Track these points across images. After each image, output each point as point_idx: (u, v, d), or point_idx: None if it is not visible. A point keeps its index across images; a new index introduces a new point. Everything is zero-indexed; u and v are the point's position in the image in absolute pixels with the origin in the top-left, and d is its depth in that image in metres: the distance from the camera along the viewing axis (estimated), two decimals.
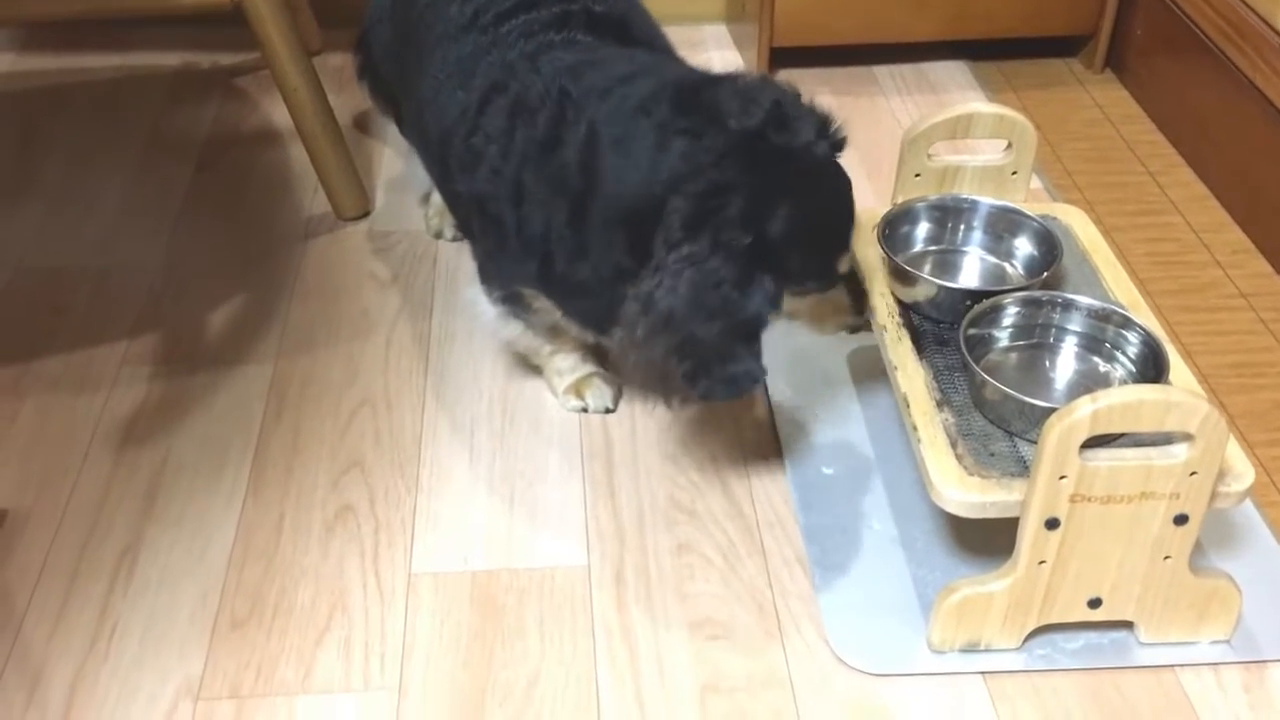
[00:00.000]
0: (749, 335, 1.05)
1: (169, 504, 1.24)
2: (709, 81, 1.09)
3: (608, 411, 1.35)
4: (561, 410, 1.36)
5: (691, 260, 1.00)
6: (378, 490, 1.26)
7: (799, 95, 1.09)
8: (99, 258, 1.59)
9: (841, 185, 1.10)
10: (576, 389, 1.35)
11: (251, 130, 1.86)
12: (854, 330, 1.22)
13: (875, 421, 1.34)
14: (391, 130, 1.77)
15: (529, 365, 1.41)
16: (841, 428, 1.33)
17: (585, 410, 1.35)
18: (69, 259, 1.59)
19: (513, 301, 1.25)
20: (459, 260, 1.59)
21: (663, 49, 1.28)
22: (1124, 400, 0.96)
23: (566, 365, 1.35)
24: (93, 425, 1.33)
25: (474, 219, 1.19)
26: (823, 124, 1.08)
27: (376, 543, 1.21)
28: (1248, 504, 1.25)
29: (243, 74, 2.00)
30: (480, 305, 1.28)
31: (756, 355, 1.06)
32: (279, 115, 1.86)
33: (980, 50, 2.02)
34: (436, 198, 1.62)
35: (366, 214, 1.66)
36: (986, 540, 1.17)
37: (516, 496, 1.26)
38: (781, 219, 1.02)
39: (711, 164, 1.02)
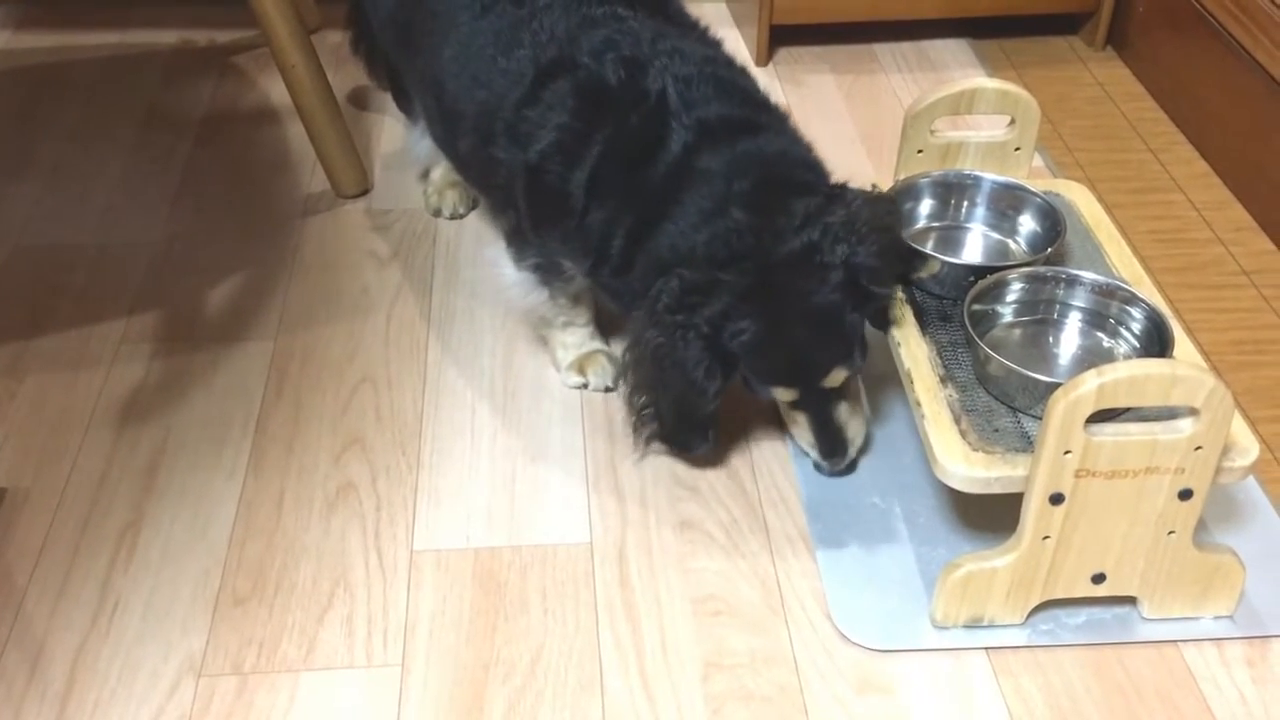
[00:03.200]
0: (697, 414, 1.15)
1: (170, 481, 1.24)
2: (805, 186, 1.13)
3: (608, 390, 1.35)
4: (563, 388, 1.36)
5: (661, 331, 1.09)
6: (379, 467, 1.26)
7: (885, 242, 1.12)
8: (97, 235, 1.58)
9: (823, 337, 1.11)
10: (580, 365, 1.35)
11: (250, 108, 1.85)
12: (816, 465, 1.24)
13: (878, 398, 1.33)
14: (390, 107, 1.77)
15: (531, 342, 1.40)
16: None
17: (586, 386, 1.35)
18: (67, 236, 1.58)
19: (545, 269, 1.26)
20: (459, 238, 1.58)
21: (690, 26, 1.28)
22: (1130, 374, 0.96)
23: (574, 340, 1.35)
24: (92, 403, 1.33)
25: (520, 189, 1.19)
26: (862, 289, 1.10)
27: (378, 520, 1.20)
28: (1250, 480, 1.25)
29: (240, 52, 1.99)
30: (502, 267, 1.29)
31: (704, 435, 1.19)
32: (277, 93, 1.85)
33: (981, 28, 2.01)
34: (435, 175, 1.62)
35: (365, 192, 1.66)
36: (990, 516, 1.17)
37: (518, 474, 1.26)
38: (743, 335, 1.09)
39: (721, 261, 1.08)
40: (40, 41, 2.00)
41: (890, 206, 1.20)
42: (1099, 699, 1.05)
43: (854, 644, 1.09)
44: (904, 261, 1.18)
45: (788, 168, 1.15)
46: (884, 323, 1.17)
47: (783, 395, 1.16)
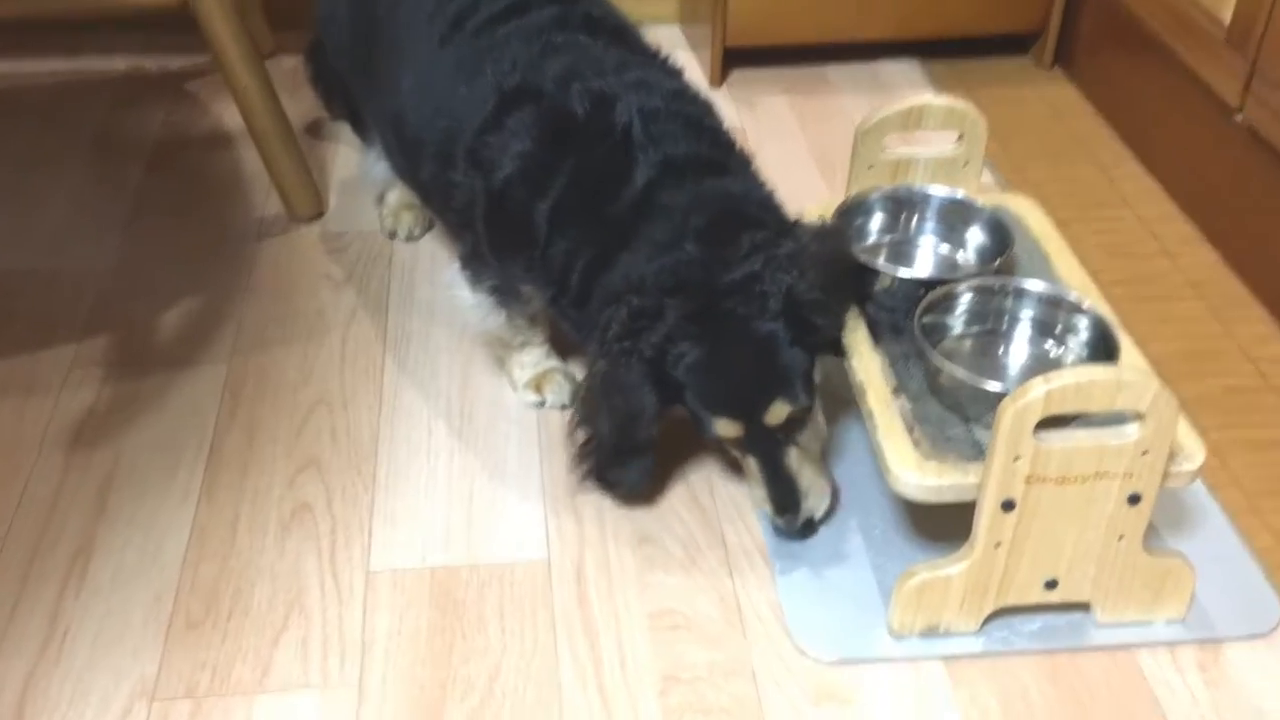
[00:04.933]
0: (635, 438, 1.13)
1: (121, 505, 1.23)
2: (757, 221, 1.13)
3: (564, 408, 1.35)
4: (520, 407, 1.36)
5: (609, 360, 1.10)
6: (335, 488, 1.25)
7: (831, 275, 1.12)
8: (47, 260, 1.57)
9: (763, 366, 1.10)
10: (537, 383, 1.35)
11: (202, 133, 1.84)
12: (778, 530, 1.20)
13: (834, 415, 1.34)
14: (344, 134, 1.77)
15: (487, 362, 1.40)
16: None
17: (543, 404, 1.35)
18: (16, 261, 1.57)
19: (503, 292, 1.26)
20: (415, 260, 1.58)
21: (651, 55, 1.28)
22: (1076, 380, 0.97)
23: (530, 359, 1.35)
24: (43, 428, 1.31)
25: (480, 213, 1.19)
26: (804, 320, 1.10)
27: (334, 541, 1.20)
28: (1199, 487, 1.26)
29: (192, 78, 1.98)
30: (458, 289, 1.29)
31: (641, 459, 1.17)
32: (230, 118, 1.85)
33: (931, 49, 2.04)
34: (391, 198, 1.62)
35: (320, 215, 1.65)
36: (944, 528, 1.18)
37: (475, 492, 1.25)
38: (685, 359, 1.09)
39: (668, 289, 1.09)
40: None
41: (839, 240, 1.21)
42: (1054, 704, 1.06)
43: (811, 656, 1.09)
44: (852, 293, 1.19)
45: (746, 206, 1.16)
46: (836, 351, 1.18)
47: (726, 430, 1.12)
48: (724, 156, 1.18)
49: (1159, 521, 1.22)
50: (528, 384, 1.35)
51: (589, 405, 1.14)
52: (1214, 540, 1.21)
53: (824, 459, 1.20)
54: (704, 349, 1.08)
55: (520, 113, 1.17)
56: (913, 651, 1.10)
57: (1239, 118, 1.56)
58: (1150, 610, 1.12)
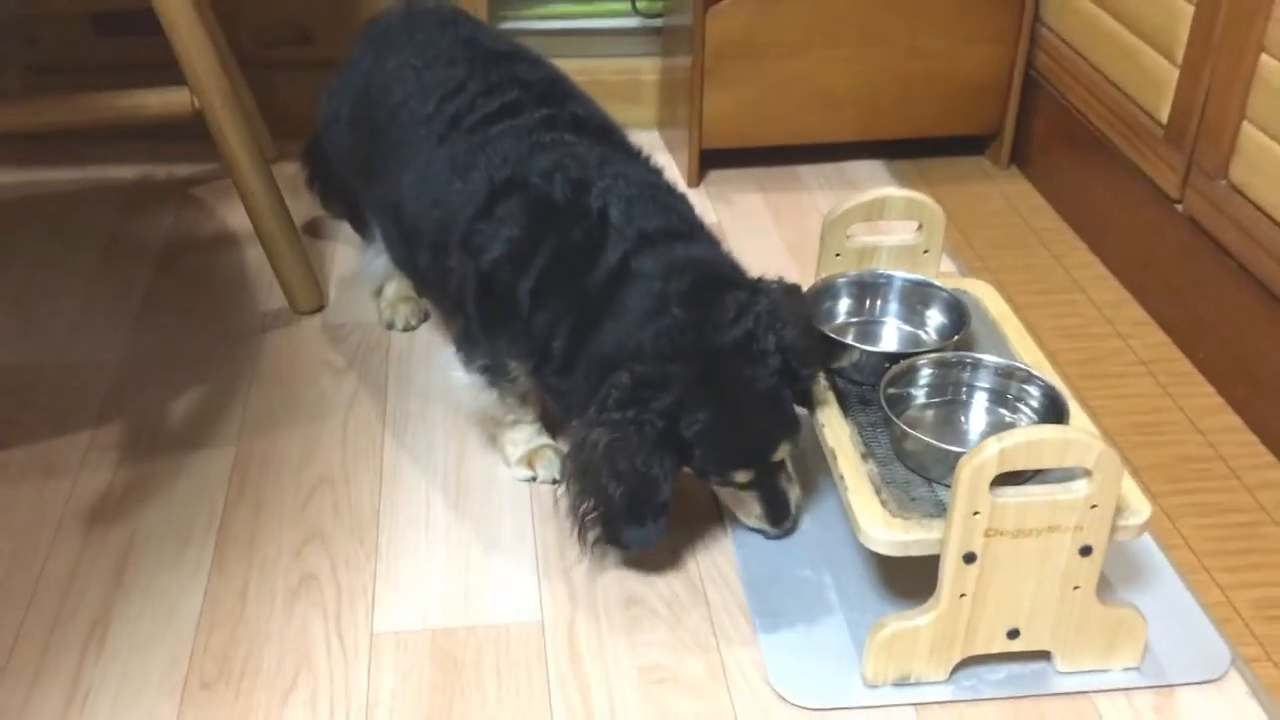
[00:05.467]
0: (651, 503, 1.20)
1: (136, 579, 1.30)
2: (734, 283, 1.24)
3: (555, 482, 1.43)
4: (512, 483, 1.44)
5: (612, 428, 1.17)
6: (338, 558, 1.32)
7: (803, 316, 1.25)
8: (61, 354, 1.65)
9: (771, 417, 1.22)
10: (529, 459, 1.43)
11: (208, 235, 1.94)
12: (762, 533, 1.34)
13: (809, 485, 1.43)
14: (342, 231, 1.87)
15: (481, 439, 1.49)
16: None
17: (535, 479, 1.43)
18: (31, 356, 1.65)
19: (493, 371, 1.35)
20: (411, 348, 1.68)
21: (634, 154, 1.39)
22: (1027, 439, 1.06)
23: (522, 437, 1.43)
24: (60, 508, 1.39)
25: (471, 294, 1.29)
26: (792, 370, 1.22)
27: (339, 606, 1.26)
28: (1152, 547, 1.34)
29: (197, 184, 2.09)
30: (453, 370, 1.38)
31: (657, 521, 1.22)
32: (234, 220, 1.95)
33: (895, 150, 2.17)
34: (389, 291, 1.71)
35: (321, 308, 1.75)
36: (914, 586, 1.25)
37: (472, 561, 1.33)
38: (698, 424, 1.18)
39: (669, 356, 1.17)
40: (4, 178, 2.10)
41: (799, 293, 1.32)
42: None
43: (791, 704, 1.16)
44: (819, 342, 1.30)
45: (720, 269, 1.27)
46: (808, 402, 1.27)
47: (741, 477, 1.24)
48: (691, 230, 1.29)
49: (1115, 579, 1.30)
50: (520, 460, 1.44)
51: (592, 477, 1.19)
52: (1167, 596, 1.29)
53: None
54: (715, 411, 1.17)
55: (508, 202, 1.27)
56: (886, 699, 1.17)
57: (1180, 208, 1.68)
58: (1107, 658, 1.19)
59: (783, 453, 1.24)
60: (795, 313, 1.23)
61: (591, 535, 1.23)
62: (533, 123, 1.34)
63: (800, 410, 1.26)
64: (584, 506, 1.21)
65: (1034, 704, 1.17)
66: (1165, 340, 1.71)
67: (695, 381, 1.17)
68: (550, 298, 1.24)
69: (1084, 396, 1.58)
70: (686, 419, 1.17)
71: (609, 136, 1.38)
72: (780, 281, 1.29)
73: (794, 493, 1.31)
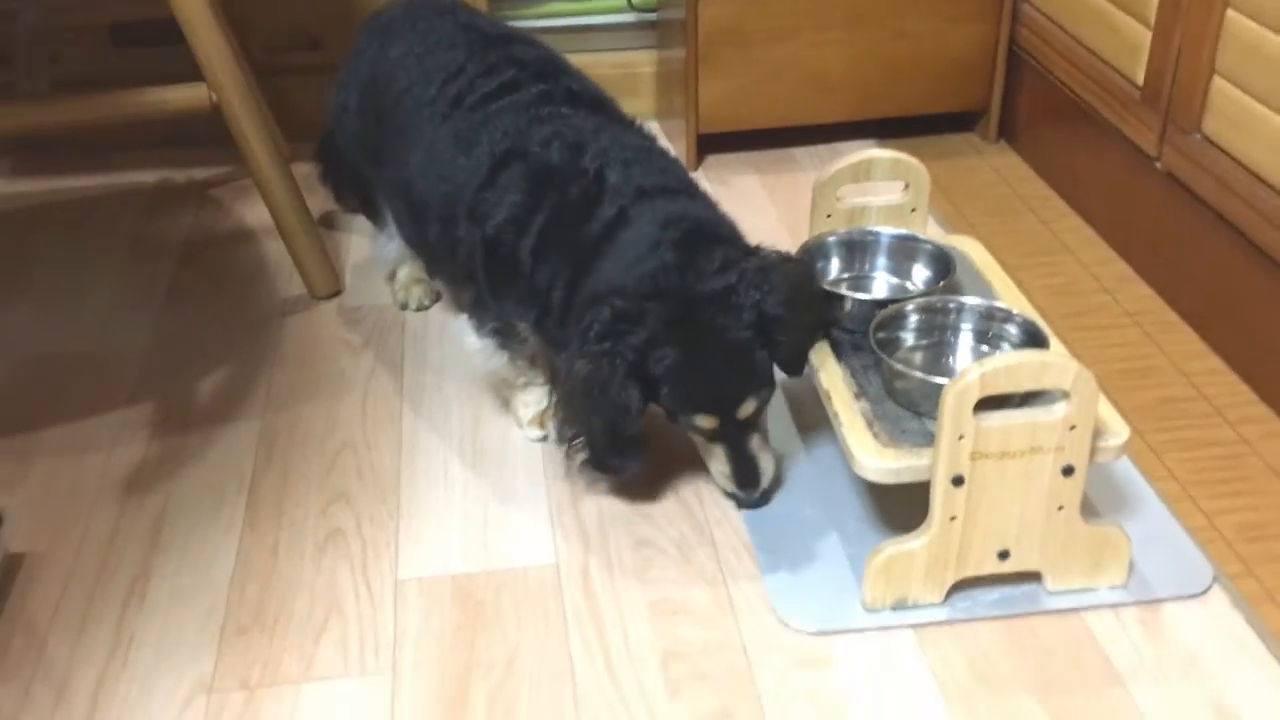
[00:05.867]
0: (625, 435, 1.28)
1: (173, 539, 1.37)
2: (728, 240, 1.31)
3: None
4: (525, 443, 1.51)
5: (590, 360, 1.24)
6: (363, 516, 1.39)
7: (795, 296, 1.28)
8: (93, 344, 1.73)
9: (737, 368, 1.27)
10: (540, 419, 1.50)
11: (227, 231, 2.03)
12: (735, 499, 1.38)
13: (809, 435, 1.49)
14: (355, 222, 1.95)
15: (496, 405, 1.56)
16: (779, 438, 1.48)
17: (546, 439, 1.50)
18: (64, 346, 1.73)
19: (503, 333, 1.42)
20: (425, 326, 1.75)
21: (628, 123, 1.47)
22: (1006, 364, 1.13)
23: (533, 398, 1.50)
24: (98, 479, 1.46)
25: (479, 261, 1.36)
26: (769, 333, 1.27)
27: (365, 558, 1.33)
28: (1139, 479, 1.41)
29: (216, 185, 2.17)
30: (467, 337, 1.46)
31: (634, 452, 1.32)
32: (252, 217, 2.03)
33: (887, 129, 2.24)
34: (402, 273, 1.79)
35: (338, 293, 1.83)
36: (909, 522, 1.31)
37: (489, 514, 1.40)
38: (666, 360, 1.24)
39: (648, 294, 1.24)
40: (31, 187, 2.19)
41: (805, 268, 1.38)
42: (1014, 660, 1.19)
43: (795, 629, 1.23)
44: (818, 314, 1.35)
45: (716, 228, 1.33)
46: (795, 369, 1.33)
47: (703, 422, 1.28)
48: (690, 190, 1.36)
49: (1103, 508, 1.36)
50: (532, 420, 1.51)
51: (573, 404, 1.28)
52: (1153, 521, 1.35)
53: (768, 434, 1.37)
54: (684, 353, 1.24)
55: (509, 170, 1.35)
56: (885, 622, 1.23)
57: (1158, 165, 1.74)
58: (1094, 577, 1.25)
59: (748, 409, 1.28)
60: (786, 280, 1.27)
61: (578, 460, 1.31)
62: (530, 98, 1.42)
63: (784, 377, 1.33)
64: (569, 433, 1.29)
65: (1026, 621, 1.23)
66: (1150, 293, 1.77)
67: (669, 321, 1.23)
68: (550, 251, 1.31)
69: (1073, 348, 1.63)
70: (655, 354, 1.23)
71: (602, 107, 1.45)
72: (778, 252, 1.35)
73: (767, 461, 1.34)
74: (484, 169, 1.38)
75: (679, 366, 1.24)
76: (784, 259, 1.33)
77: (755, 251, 1.32)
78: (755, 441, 1.32)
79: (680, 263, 1.25)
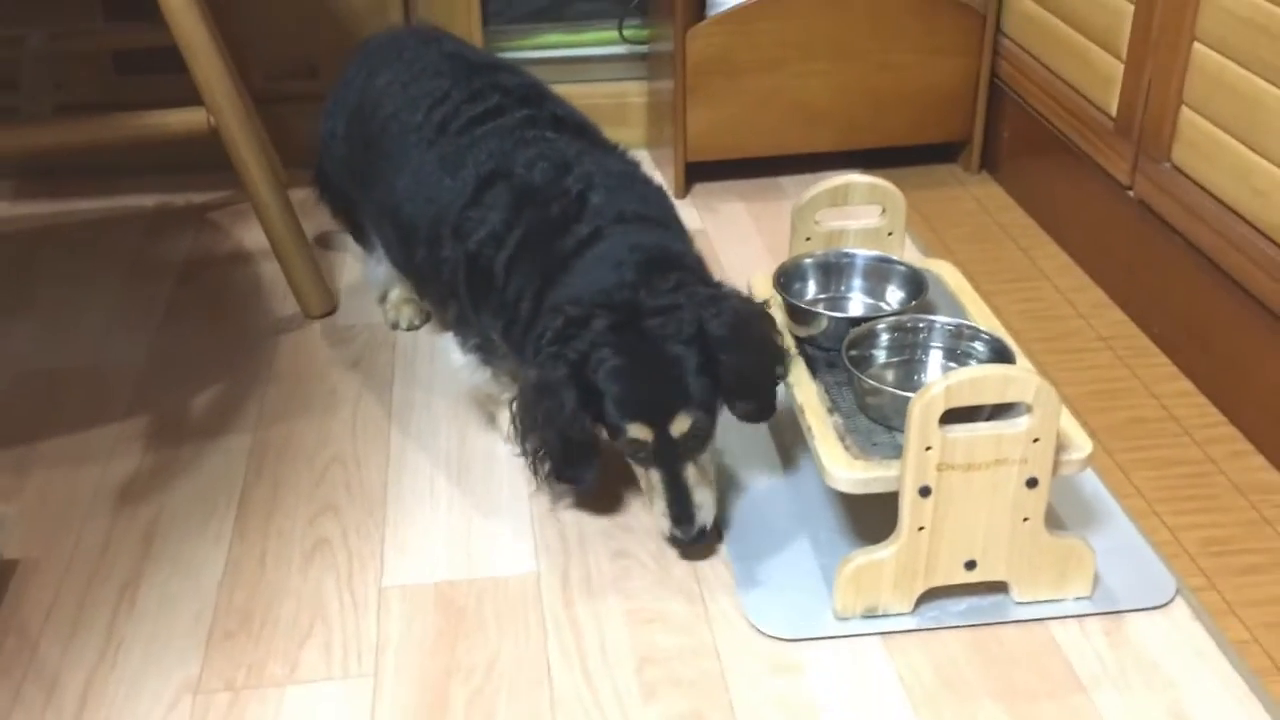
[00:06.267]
0: (575, 443, 1.30)
1: (164, 548, 1.40)
2: (690, 270, 1.34)
3: None
4: (510, 459, 1.55)
5: (540, 365, 1.29)
6: (350, 527, 1.43)
7: (746, 333, 1.30)
8: (90, 359, 1.77)
9: (672, 381, 1.27)
10: None
11: (225, 253, 2.07)
12: (674, 542, 1.35)
13: (785, 449, 1.53)
14: (349, 243, 1.99)
15: (482, 422, 1.60)
16: (757, 456, 1.52)
17: None
18: (62, 361, 1.77)
19: (483, 349, 1.46)
20: (415, 345, 1.79)
21: (611, 148, 1.51)
22: (970, 377, 1.16)
23: None
24: (92, 490, 1.50)
25: (461, 277, 1.40)
26: (712, 354, 1.28)
27: (350, 567, 1.37)
28: (1106, 495, 1.44)
29: (214, 209, 2.22)
30: (453, 353, 1.50)
31: (588, 464, 1.34)
32: (249, 240, 2.08)
33: (871, 158, 2.28)
34: (393, 294, 1.83)
35: (332, 312, 1.87)
36: (879, 534, 1.35)
37: (473, 527, 1.43)
38: (604, 364, 1.26)
39: (599, 304, 1.27)
40: (35, 209, 2.23)
41: (759, 309, 1.37)
42: (979, 667, 1.22)
43: (767, 636, 1.26)
44: (768, 358, 1.34)
45: (684, 259, 1.37)
46: (750, 412, 1.34)
47: (636, 433, 1.27)
48: (668, 221, 1.40)
49: (1071, 523, 1.39)
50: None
51: (526, 412, 1.31)
52: (1119, 536, 1.38)
53: (713, 481, 1.35)
54: (622, 358, 1.26)
55: (494, 190, 1.40)
56: (855, 629, 1.26)
57: (1131, 193, 1.79)
58: (1060, 588, 1.29)
59: (681, 424, 1.27)
60: (735, 312, 1.29)
61: (542, 470, 1.34)
62: (515, 122, 1.47)
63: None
64: (530, 445, 1.33)
65: (993, 631, 1.26)
66: (1123, 318, 1.81)
67: (612, 328, 1.26)
68: (522, 265, 1.35)
69: (1047, 370, 1.68)
70: (596, 357, 1.26)
71: (585, 132, 1.50)
72: (739, 291, 1.37)
73: (703, 495, 1.31)
74: (469, 189, 1.42)
75: (616, 370, 1.26)
76: (741, 296, 1.36)
77: (715, 284, 1.35)
78: (692, 473, 1.30)
79: (636, 281, 1.29)
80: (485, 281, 1.38)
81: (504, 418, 1.55)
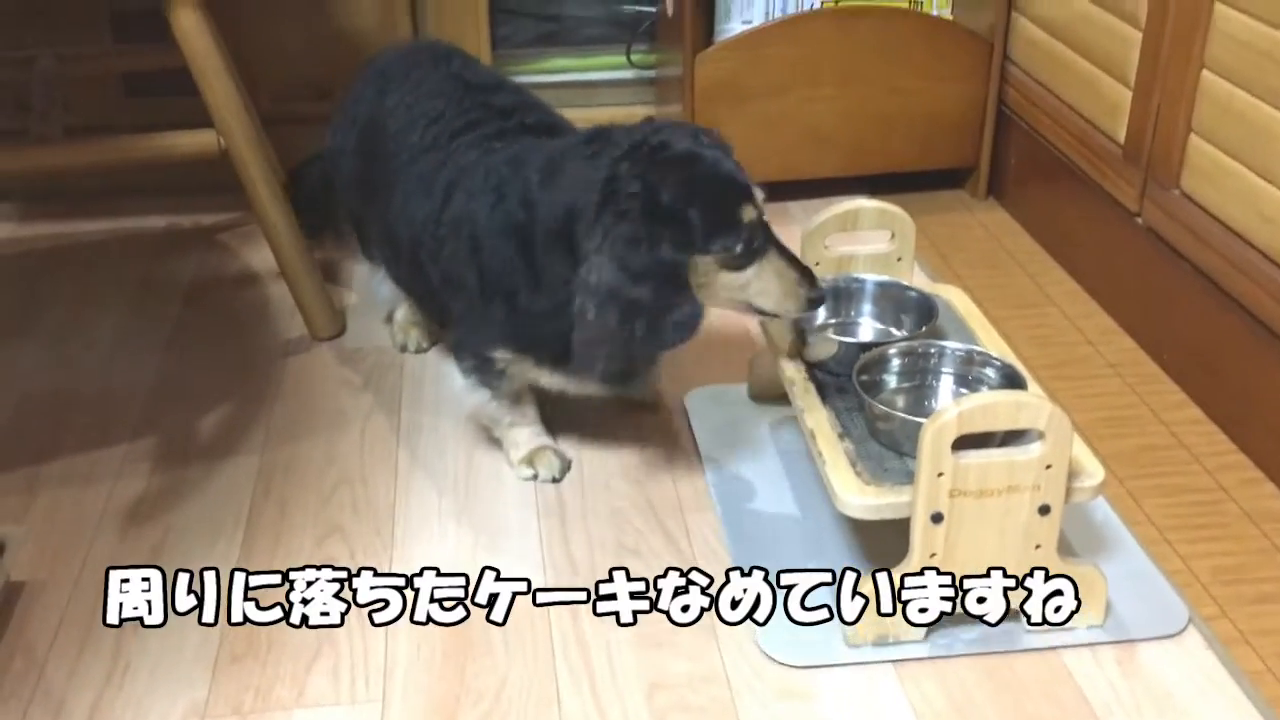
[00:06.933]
0: (676, 284, 1.29)
1: (170, 568, 1.39)
2: (614, 127, 1.37)
3: (555, 481, 1.53)
4: (517, 482, 1.54)
5: (606, 236, 1.27)
6: (357, 547, 1.42)
7: (691, 130, 1.36)
8: (98, 381, 1.77)
9: (713, 162, 1.32)
10: (530, 459, 1.53)
11: (232, 275, 2.07)
12: (812, 304, 1.35)
13: (795, 474, 1.52)
14: (357, 266, 2.00)
15: (489, 445, 1.59)
16: (766, 478, 1.52)
17: (535, 478, 1.53)
18: (70, 382, 1.77)
19: (482, 370, 1.46)
20: (422, 368, 1.79)
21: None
22: (982, 403, 1.16)
23: (523, 438, 1.54)
24: (99, 511, 1.49)
25: (449, 295, 1.41)
26: (698, 134, 1.34)
27: None
28: (1118, 523, 1.44)
29: (221, 231, 2.22)
30: (453, 378, 1.51)
31: (691, 300, 1.32)
32: (256, 261, 2.08)
33: (879, 184, 2.28)
34: (400, 315, 1.83)
35: (340, 334, 1.87)
36: (891, 561, 1.34)
37: (480, 548, 1.43)
38: (668, 187, 1.28)
39: (605, 167, 1.30)
40: (41, 230, 2.24)
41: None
42: (991, 695, 1.21)
43: (778, 663, 1.25)
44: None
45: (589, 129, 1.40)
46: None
47: (751, 214, 1.31)
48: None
49: (1082, 551, 1.39)
50: (522, 460, 1.54)
51: (613, 292, 1.27)
52: (1131, 564, 1.38)
53: None
54: (684, 167, 1.29)
55: (452, 205, 1.43)
56: (866, 657, 1.26)
57: (1140, 220, 1.79)
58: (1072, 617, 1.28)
59: (760, 197, 1.34)
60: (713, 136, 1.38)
61: (642, 354, 1.38)
62: (488, 134, 1.49)
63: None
64: (600, 349, 1.32)
65: (1005, 658, 1.26)
66: (1133, 345, 1.81)
67: (638, 166, 1.28)
68: (484, 240, 1.38)
69: (1056, 396, 1.67)
70: (656, 190, 1.27)
71: (555, 132, 1.52)
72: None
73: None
74: (436, 208, 1.46)
75: (679, 183, 1.27)
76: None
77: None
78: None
79: (599, 149, 1.32)
80: (464, 289, 1.40)
81: (510, 442, 1.55)
